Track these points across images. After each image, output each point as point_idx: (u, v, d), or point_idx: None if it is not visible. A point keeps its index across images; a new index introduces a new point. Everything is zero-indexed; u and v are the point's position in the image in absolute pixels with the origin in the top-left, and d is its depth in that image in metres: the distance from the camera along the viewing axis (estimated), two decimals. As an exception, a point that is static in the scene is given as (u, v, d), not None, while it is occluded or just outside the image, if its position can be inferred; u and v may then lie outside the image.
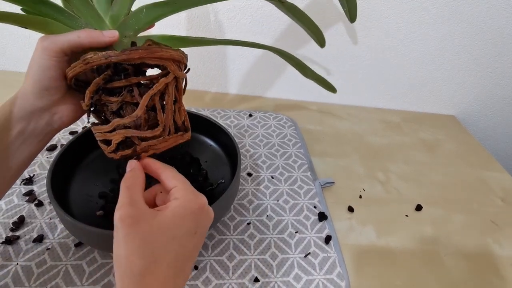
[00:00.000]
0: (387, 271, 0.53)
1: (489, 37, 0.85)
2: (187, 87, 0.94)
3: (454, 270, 0.55)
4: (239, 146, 0.72)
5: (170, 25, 0.80)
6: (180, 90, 0.38)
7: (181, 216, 0.30)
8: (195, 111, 0.62)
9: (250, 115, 0.84)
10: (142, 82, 0.35)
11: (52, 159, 0.48)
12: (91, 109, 0.36)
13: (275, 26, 0.82)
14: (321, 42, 0.58)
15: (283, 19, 0.80)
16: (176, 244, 0.29)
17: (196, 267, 0.48)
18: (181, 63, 0.38)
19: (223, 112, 0.84)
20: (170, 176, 0.33)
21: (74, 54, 0.35)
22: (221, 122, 0.80)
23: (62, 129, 0.39)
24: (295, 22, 0.50)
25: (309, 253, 0.53)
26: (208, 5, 0.79)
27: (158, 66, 0.36)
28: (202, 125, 0.61)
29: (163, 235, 0.28)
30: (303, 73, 0.57)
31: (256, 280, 0.48)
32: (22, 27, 0.32)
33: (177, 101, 0.38)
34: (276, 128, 0.81)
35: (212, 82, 0.92)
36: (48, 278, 0.45)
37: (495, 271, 0.56)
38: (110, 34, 0.34)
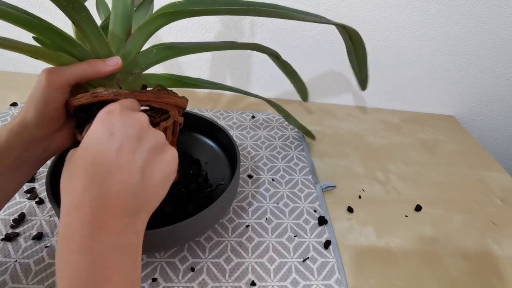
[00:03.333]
0: (387, 272, 0.51)
1: (488, 38, 0.82)
2: (188, 88, 0.94)
3: (454, 270, 0.52)
4: (240, 147, 0.71)
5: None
6: (176, 134, 0.39)
7: (91, 128, 0.28)
8: (197, 112, 0.60)
9: (253, 117, 0.82)
10: None
11: (53, 157, 0.46)
12: None
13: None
14: (304, 97, 0.62)
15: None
16: (89, 151, 0.27)
17: (192, 269, 0.46)
18: (182, 108, 0.38)
19: (226, 113, 0.82)
20: None
21: (77, 84, 0.34)
22: (223, 123, 0.78)
23: (57, 154, 0.38)
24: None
25: (308, 257, 0.50)
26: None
27: (160, 109, 0.36)
28: (203, 126, 0.60)
29: (80, 149, 0.28)
30: (287, 120, 0.65)
31: (253, 284, 0.45)
32: (33, 57, 0.31)
33: (172, 144, 0.38)
34: (279, 130, 0.79)
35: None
36: (45, 276, 0.43)
37: (495, 271, 0.53)
38: (113, 62, 0.33)
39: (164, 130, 0.36)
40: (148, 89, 0.38)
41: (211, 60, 0.87)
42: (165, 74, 0.41)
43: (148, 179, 0.28)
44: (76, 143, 0.37)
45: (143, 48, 0.38)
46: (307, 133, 0.63)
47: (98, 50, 0.34)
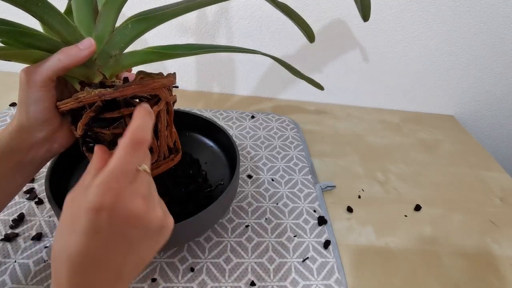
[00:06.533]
0: (387, 271, 0.50)
1: (487, 38, 0.82)
2: (190, 89, 0.93)
3: (453, 270, 0.52)
4: (240, 147, 0.71)
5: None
6: (170, 113, 0.37)
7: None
8: (197, 112, 0.60)
9: (253, 117, 0.81)
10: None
11: (52, 158, 0.46)
12: (86, 137, 0.35)
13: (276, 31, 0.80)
14: (310, 39, 0.55)
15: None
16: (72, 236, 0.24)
17: (192, 269, 0.46)
18: (171, 86, 0.37)
19: (226, 113, 0.81)
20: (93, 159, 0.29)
21: (60, 78, 0.33)
22: (223, 123, 0.77)
23: (59, 153, 0.37)
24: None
25: (307, 257, 0.50)
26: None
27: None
28: (203, 126, 0.59)
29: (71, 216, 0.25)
30: (292, 72, 0.55)
31: (253, 284, 0.45)
32: (6, 60, 0.30)
33: (168, 125, 0.37)
34: (278, 130, 0.78)
35: (214, 83, 0.91)
36: (45, 276, 0.43)
37: (494, 271, 0.53)
38: (87, 45, 0.31)
39: (158, 114, 0.35)
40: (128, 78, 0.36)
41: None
42: (148, 48, 0.37)
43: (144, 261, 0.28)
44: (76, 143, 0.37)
45: (118, 26, 0.35)
46: (315, 85, 0.60)
47: (68, 38, 0.32)
